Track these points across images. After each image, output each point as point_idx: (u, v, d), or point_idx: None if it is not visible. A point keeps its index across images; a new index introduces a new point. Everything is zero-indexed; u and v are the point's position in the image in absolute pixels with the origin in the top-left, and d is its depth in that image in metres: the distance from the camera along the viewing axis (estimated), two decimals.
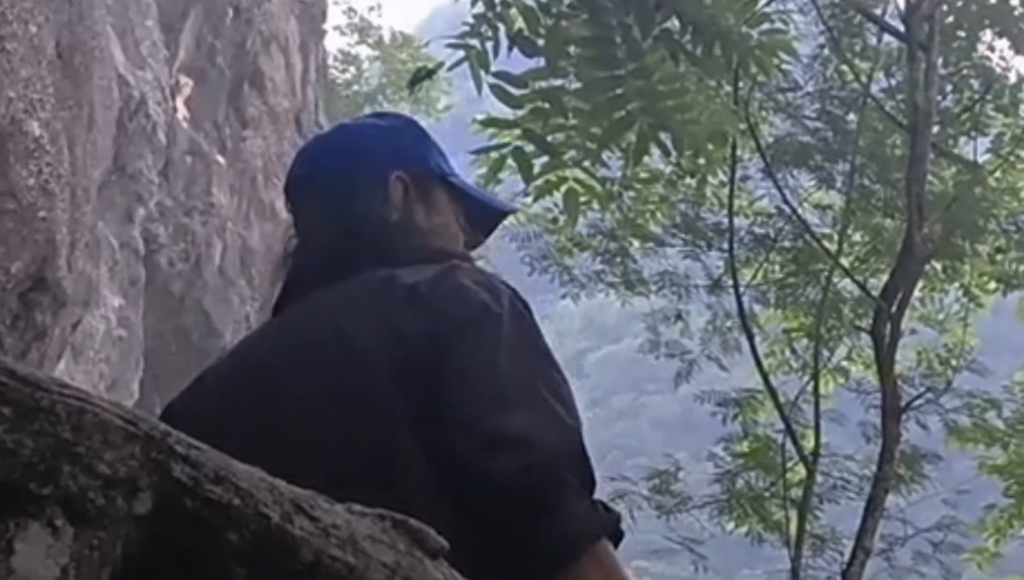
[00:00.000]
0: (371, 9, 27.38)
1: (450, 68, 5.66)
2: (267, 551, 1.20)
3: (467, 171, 10.66)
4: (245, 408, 1.97)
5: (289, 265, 2.24)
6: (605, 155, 6.44)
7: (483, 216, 2.36)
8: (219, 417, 1.94)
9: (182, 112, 12.47)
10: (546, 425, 1.81)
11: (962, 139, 11.38)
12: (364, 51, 27.43)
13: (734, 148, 10.51)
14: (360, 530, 1.32)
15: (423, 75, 6.00)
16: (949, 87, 11.01)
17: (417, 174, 2.26)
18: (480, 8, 5.34)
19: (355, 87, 26.58)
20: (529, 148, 5.56)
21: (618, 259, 11.61)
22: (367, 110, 25.85)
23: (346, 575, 1.27)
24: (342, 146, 2.33)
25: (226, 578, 1.19)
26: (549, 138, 5.53)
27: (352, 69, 27.17)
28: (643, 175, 10.97)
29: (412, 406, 1.85)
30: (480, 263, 2.49)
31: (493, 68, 5.39)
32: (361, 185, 2.22)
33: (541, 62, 5.54)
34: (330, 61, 23.75)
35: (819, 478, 10.36)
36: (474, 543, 1.58)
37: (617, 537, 1.83)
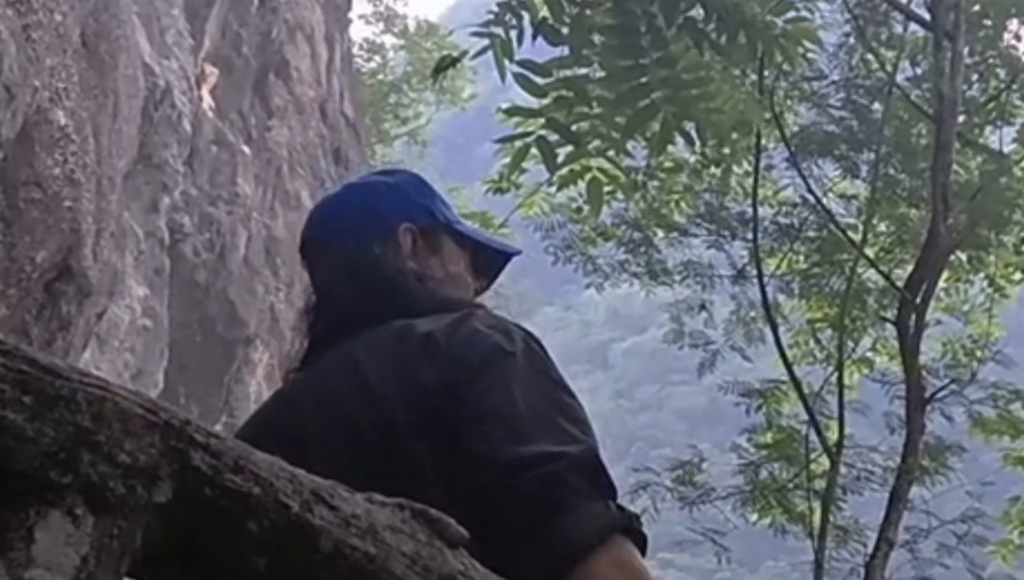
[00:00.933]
0: None
1: (474, 57, 5.65)
2: (286, 540, 1.20)
3: (492, 160, 10.65)
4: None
5: (310, 322, 2.31)
6: (629, 144, 6.42)
7: (488, 259, 2.46)
8: None
9: (207, 101, 12.50)
10: (561, 444, 1.88)
11: (988, 129, 11.34)
12: (389, 40, 27.50)
13: (759, 137, 10.48)
14: (380, 520, 1.32)
15: (447, 64, 5.98)
16: (975, 76, 10.97)
17: (425, 225, 2.35)
18: None
19: (380, 76, 26.63)
20: (553, 137, 5.55)
21: (642, 249, 11.57)
22: (392, 99, 25.91)
23: (366, 565, 1.27)
24: (352, 205, 2.40)
25: (245, 567, 1.19)
26: (573, 127, 5.53)
27: (377, 58, 27.24)
28: (667, 164, 10.95)
29: (433, 451, 1.92)
30: None
31: (517, 57, 5.39)
32: (374, 240, 2.29)
33: (565, 51, 5.53)
34: (355, 50, 23.78)
35: (843, 469, 10.32)
36: (493, 552, 1.59)
37: (636, 536, 1.85)
